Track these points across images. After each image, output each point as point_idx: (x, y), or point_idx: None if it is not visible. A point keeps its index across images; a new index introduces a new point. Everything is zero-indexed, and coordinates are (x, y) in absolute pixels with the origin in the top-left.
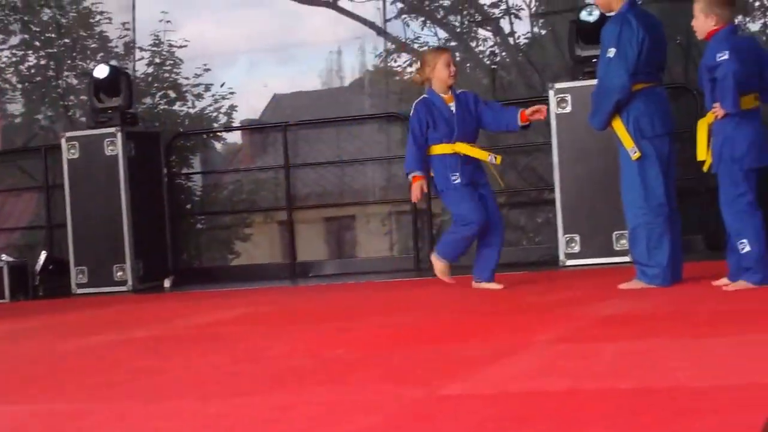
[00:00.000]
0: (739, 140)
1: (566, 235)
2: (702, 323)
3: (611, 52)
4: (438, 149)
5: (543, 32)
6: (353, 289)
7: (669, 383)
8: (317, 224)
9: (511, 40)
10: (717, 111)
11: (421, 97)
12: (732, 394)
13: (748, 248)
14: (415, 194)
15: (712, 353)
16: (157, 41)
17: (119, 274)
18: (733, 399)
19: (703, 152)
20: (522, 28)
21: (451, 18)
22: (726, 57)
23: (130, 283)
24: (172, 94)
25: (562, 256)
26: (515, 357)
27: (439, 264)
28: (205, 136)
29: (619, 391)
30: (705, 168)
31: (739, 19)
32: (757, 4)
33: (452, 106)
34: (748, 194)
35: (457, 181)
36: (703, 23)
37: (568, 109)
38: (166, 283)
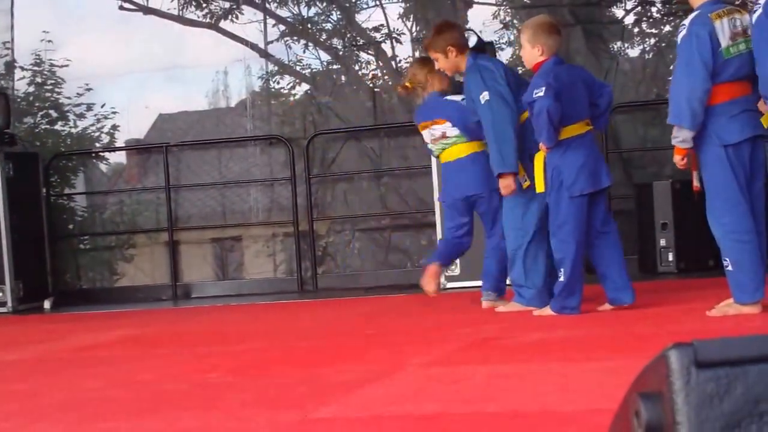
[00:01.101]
0: (567, 168)
1: None
2: (575, 347)
3: (485, 96)
4: None
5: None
6: (235, 310)
7: (537, 407)
8: (204, 245)
9: (393, 63)
10: (541, 145)
11: None
12: (599, 418)
13: (561, 278)
14: None
15: (582, 378)
16: (38, 60)
17: None
18: (600, 423)
19: (540, 184)
20: (403, 52)
21: (334, 41)
22: (542, 93)
23: (9, 304)
24: (54, 114)
25: (443, 279)
26: (388, 380)
27: None
28: (87, 156)
29: (488, 415)
30: None
31: (618, 45)
32: (636, 30)
33: None
34: (570, 223)
35: None
36: (529, 54)
37: None
38: (46, 305)
